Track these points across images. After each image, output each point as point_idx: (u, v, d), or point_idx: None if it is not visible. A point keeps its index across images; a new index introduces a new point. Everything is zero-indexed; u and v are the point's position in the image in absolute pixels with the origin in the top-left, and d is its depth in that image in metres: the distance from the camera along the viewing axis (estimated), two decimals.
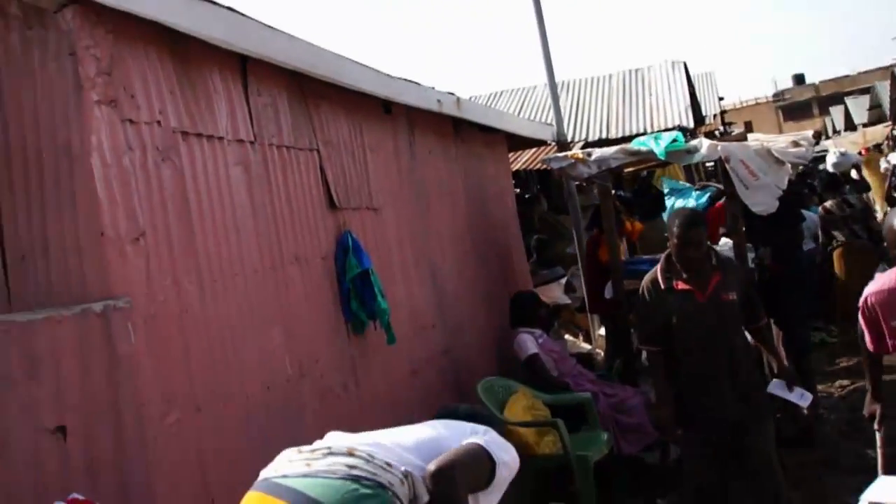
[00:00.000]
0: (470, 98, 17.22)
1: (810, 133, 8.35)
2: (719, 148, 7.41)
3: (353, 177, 6.02)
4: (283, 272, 4.94)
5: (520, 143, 10.93)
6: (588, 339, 10.11)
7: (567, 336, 10.04)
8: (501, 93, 17.03)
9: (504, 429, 3.85)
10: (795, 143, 7.71)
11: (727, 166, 7.33)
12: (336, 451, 2.67)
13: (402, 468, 2.71)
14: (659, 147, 7.55)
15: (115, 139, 3.74)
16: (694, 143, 7.62)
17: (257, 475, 2.93)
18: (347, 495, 2.60)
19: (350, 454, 2.67)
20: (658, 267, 5.47)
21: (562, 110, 14.76)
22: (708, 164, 15.09)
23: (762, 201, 7.31)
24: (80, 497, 3.25)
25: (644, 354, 6.67)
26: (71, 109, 3.61)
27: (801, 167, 10.13)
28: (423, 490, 2.74)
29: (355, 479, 2.64)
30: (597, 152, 7.90)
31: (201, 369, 4.12)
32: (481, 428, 3.07)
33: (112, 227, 3.64)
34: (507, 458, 2.93)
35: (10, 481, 3.37)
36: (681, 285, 5.30)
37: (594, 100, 15.20)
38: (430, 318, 6.96)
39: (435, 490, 2.68)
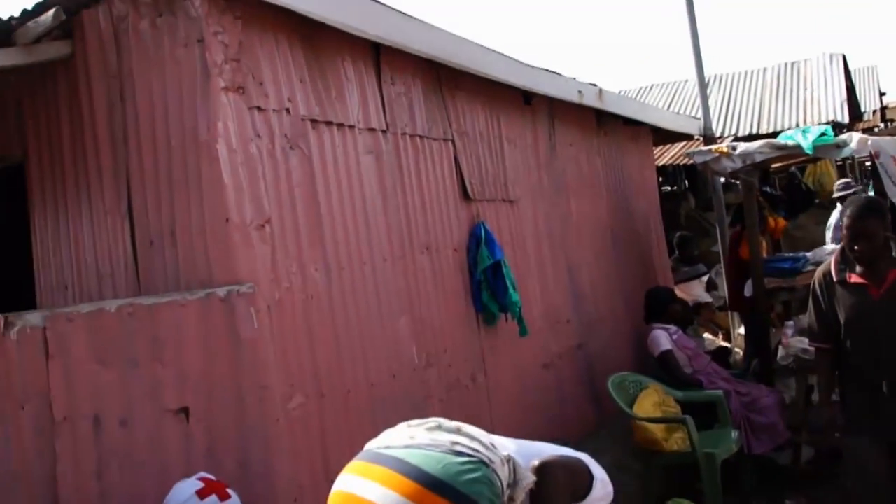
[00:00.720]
0: (618, 92, 17.01)
1: None
2: (869, 143, 7.00)
3: (488, 168, 5.90)
4: (412, 261, 4.87)
5: (666, 136, 10.61)
6: (728, 338, 9.72)
7: (706, 334, 9.67)
8: (651, 87, 16.61)
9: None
10: None
11: (876, 161, 6.92)
12: (444, 428, 2.56)
13: (506, 452, 2.59)
14: (806, 141, 7.17)
15: (242, 126, 3.73)
16: (843, 137, 7.20)
17: None
18: (448, 465, 2.48)
19: (457, 431, 2.56)
20: (833, 258, 4.87)
21: (712, 105, 14.41)
22: (867, 163, 14.32)
23: None
24: (211, 477, 3.26)
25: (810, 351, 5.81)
26: (198, 96, 3.60)
27: None
28: (524, 477, 2.62)
29: (457, 453, 2.53)
30: (741, 146, 7.56)
31: (326, 356, 4.08)
32: (580, 453, 2.94)
33: (238, 213, 3.62)
34: (605, 478, 2.77)
35: (134, 458, 3.42)
36: (854, 278, 4.68)
37: (746, 94, 14.64)
38: (566, 312, 6.80)
39: (538, 482, 2.56)
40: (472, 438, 2.53)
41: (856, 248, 4.54)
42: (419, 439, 2.52)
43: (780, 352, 6.45)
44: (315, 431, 3.90)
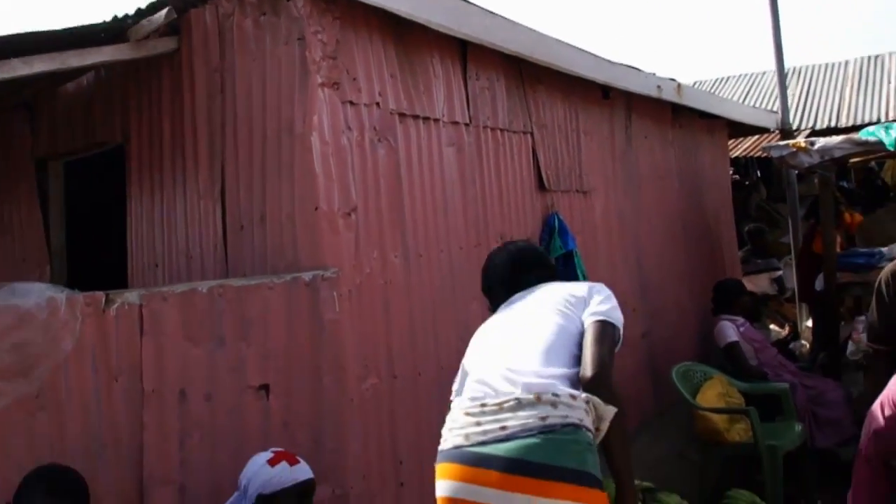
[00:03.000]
0: (693, 83, 16.78)
1: None
2: None
3: (564, 159, 5.92)
4: (486, 249, 4.85)
5: (741, 129, 10.44)
6: (795, 331, 9.60)
7: (773, 326, 9.58)
8: (727, 78, 16.28)
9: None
10: None
11: None
12: (524, 402, 2.58)
13: (584, 395, 2.63)
14: (889, 137, 7.01)
15: (335, 119, 3.81)
16: None
17: None
18: (551, 449, 2.51)
19: (538, 401, 2.58)
20: None
21: (790, 97, 14.10)
22: None
23: None
24: (282, 450, 3.37)
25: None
26: (296, 90, 3.70)
27: None
28: (606, 411, 2.67)
29: (551, 429, 2.56)
30: (820, 141, 7.43)
31: (401, 338, 4.17)
32: (581, 288, 2.98)
33: (326, 202, 3.72)
34: (618, 313, 2.88)
35: (215, 430, 3.55)
36: None
37: (826, 87, 14.28)
38: (632, 301, 6.78)
39: (598, 396, 2.62)
40: (555, 404, 2.57)
41: None
42: (510, 427, 2.57)
43: (850, 346, 6.36)
44: (385, 412, 3.99)
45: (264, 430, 3.57)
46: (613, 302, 2.89)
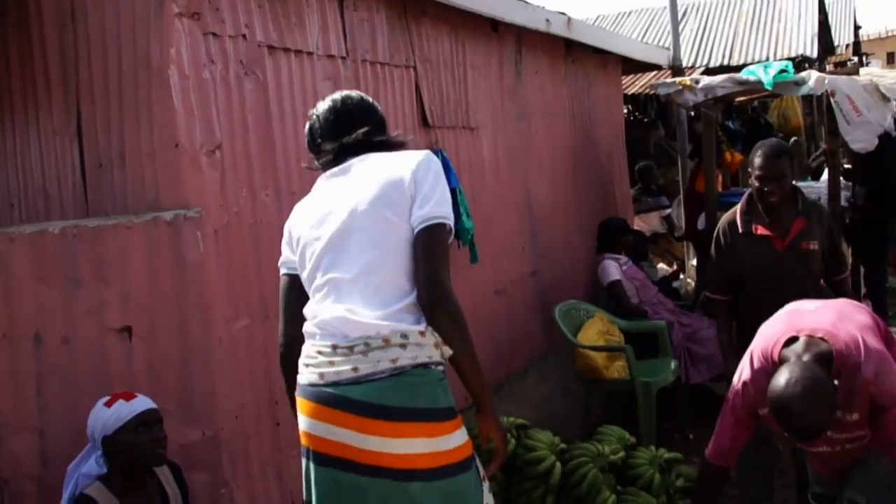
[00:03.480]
0: (596, 18, 16.81)
1: None
2: (826, 81, 7.01)
3: (450, 95, 5.87)
4: None
5: (636, 66, 10.51)
6: (683, 269, 9.82)
7: (661, 264, 9.78)
8: (629, 13, 16.37)
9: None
10: None
11: (832, 100, 6.94)
12: (374, 346, 2.62)
13: (423, 326, 2.67)
14: (767, 77, 7.16)
15: (196, 52, 3.68)
16: (802, 75, 7.21)
17: None
18: (403, 391, 2.61)
19: (387, 344, 2.62)
20: (738, 207, 4.82)
21: (687, 34, 14.26)
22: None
23: (862, 139, 6.95)
24: (121, 392, 3.33)
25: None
26: (151, 21, 3.55)
27: None
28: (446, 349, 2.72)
29: (402, 371, 2.62)
30: (704, 80, 7.54)
31: (274, 279, 4.08)
32: (406, 172, 2.77)
33: (187, 139, 3.60)
34: (446, 198, 2.77)
35: (76, 373, 3.48)
36: (760, 230, 4.69)
37: (721, 24, 14.44)
38: (521, 239, 6.84)
39: (439, 320, 2.64)
40: (403, 345, 2.58)
41: (766, 189, 4.51)
42: (362, 369, 2.59)
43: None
44: (259, 352, 3.94)
45: (128, 373, 3.50)
46: (441, 186, 2.78)
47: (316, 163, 3.00)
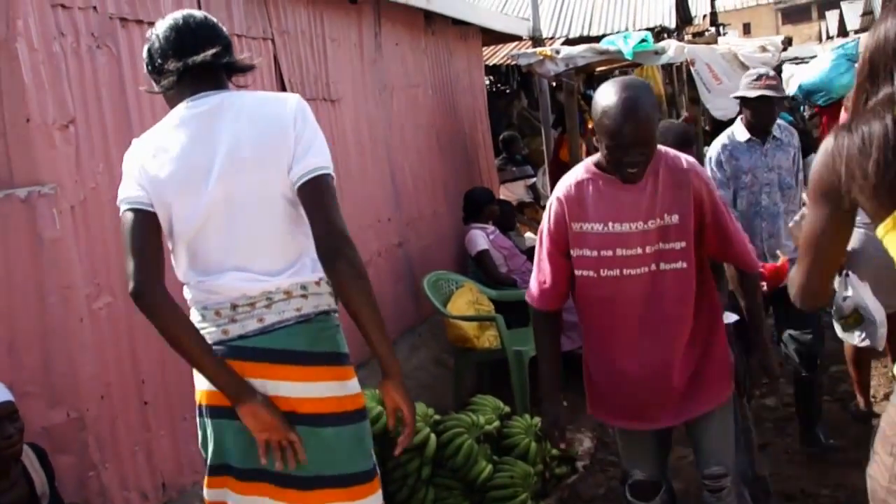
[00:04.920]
0: None
1: (779, 39, 8.26)
2: (686, 50, 7.38)
3: (310, 67, 5.93)
4: None
5: (497, 37, 10.74)
6: None
7: (529, 234, 10.04)
8: None
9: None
10: (763, 49, 7.68)
11: (692, 69, 7.29)
12: (276, 299, 2.70)
13: (317, 276, 2.75)
14: (627, 47, 7.48)
15: (45, 24, 3.66)
16: (661, 44, 7.55)
17: None
18: (309, 337, 2.70)
19: (289, 296, 2.71)
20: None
21: (547, 5, 14.60)
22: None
23: (723, 105, 7.32)
24: None
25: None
26: None
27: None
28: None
29: (306, 318, 2.71)
30: (565, 50, 7.82)
31: None
32: (281, 118, 2.69)
33: (39, 114, 3.59)
34: (325, 146, 2.74)
35: None
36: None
37: None
38: (386, 211, 6.95)
39: (343, 273, 2.58)
40: (304, 295, 2.67)
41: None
42: (267, 319, 2.66)
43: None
44: (123, 330, 3.96)
45: None
46: (318, 133, 2.74)
47: (156, 86, 2.80)
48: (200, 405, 2.78)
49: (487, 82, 14.83)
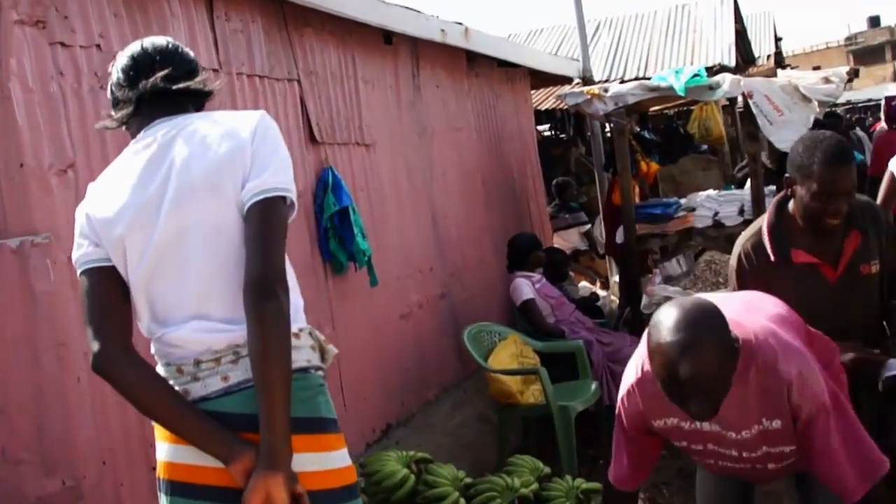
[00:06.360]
0: (508, 36, 16.88)
1: (844, 70, 7.92)
2: (742, 83, 7.06)
3: (341, 110, 5.75)
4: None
5: (547, 80, 10.55)
6: (606, 286, 9.81)
7: (583, 282, 9.75)
8: (541, 30, 16.54)
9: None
10: (826, 80, 7.34)
11: (750, 102, 6.98)
12: (243, 353, 2.35)
13: (307, 328, 2.44)
14: (679, 83, 7.17)
15: (42, 64, 3.52)
16: (716, 78, 7.23)
17: None
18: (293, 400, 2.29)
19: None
20: (764, 226, 3.57)
21: (601, 49, 14.44)
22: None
23: (788, 138, 6.97)
24: None
25: None
26: None
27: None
28: (330, 349, 2.49)
29: None
30: (613, 87, 7.55)
31: None
32: (239, 137, 2.39)
33: (34, 158, 3.43)
34: (286, 166, 2.37)
35: None
36: (801, 257, 3.49)
37: (635, 37, 14.68)
38: (428, 260, 6.72)
39: (264, 305, 2.21)
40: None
41: (830, 211, 3.31)
42: (232, 378, 2.36)
43: (644, 300, 6.40)
44: None
45: None
46: (281, 152, 2.42)
47: (111, 122, 2.57)
48: (160, 479, 2.43)
49: (546, 128, 14.67)
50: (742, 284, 3.62)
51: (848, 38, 62.88)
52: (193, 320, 2.34)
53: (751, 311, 2.89)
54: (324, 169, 5.40)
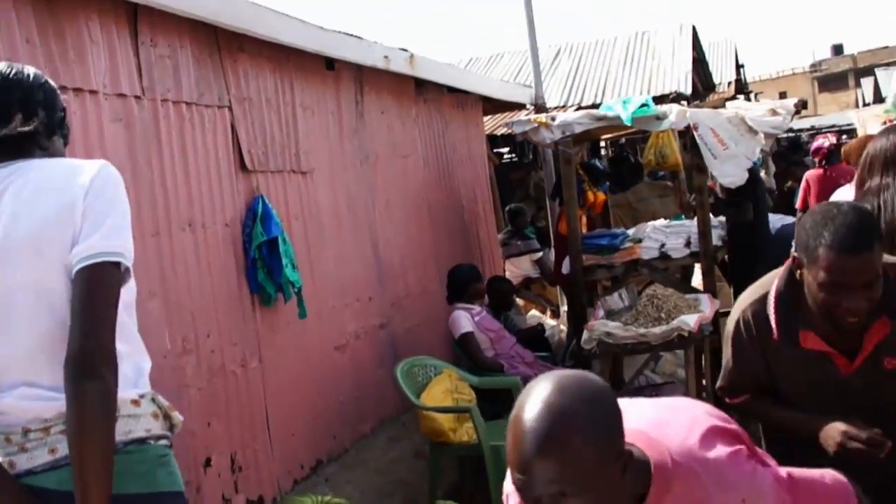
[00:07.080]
0: (469, 61, 16.83)
1: (792, 102, 7.92)
2: (688, 115, 7.05)
3: (276, 137, 5.65)
4: (169, 239, 4.59)
5: (501, 106, 10.49)
6: (557, 314, 9.73)
7: (534, 311, 9.65)
8: (502, 55, 16.50)
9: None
10: (773, 112, 7.33)
11: (695, 134, 6.94)
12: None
13: (149, 393, 2.29)
14: (626, 112, 7.14)
15: None
16: (663, 108, 7.21)
17: None
18: (119, 478, 2.14)
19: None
20: (770, 300, 2.91)
21: (561, 74, 14.43)
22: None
23: (731, 173, 6.97)
24: None
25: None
26: None
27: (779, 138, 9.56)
28: (177, 418, 2.36)
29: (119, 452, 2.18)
30: (560, 116, 7.51)
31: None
32: (72, 193, 2.20)
33: None
34: (125, 224, 2.22)
35: None
36: (811, 341, 2.85)
37: (594, 64, 14.68)
38: (367, 289, 6.62)
39: (87, 380, 2.06)
40: (121, 418, 2.20)
41: (845, 305, 2.62)
42: (61, 450, 2.20)
43: (585, 335, 6.22)
44: None
45: None
46: (119, 209, 2.24)
47: None
48: None
49: (504, 152, 14.62)
50: (737, 355, 3.08)
51: (812, 65, 63.58)
52: (22, 387, 2.18)
53: (671, 424, 2.19)
54: (254, 198, 5.29)
